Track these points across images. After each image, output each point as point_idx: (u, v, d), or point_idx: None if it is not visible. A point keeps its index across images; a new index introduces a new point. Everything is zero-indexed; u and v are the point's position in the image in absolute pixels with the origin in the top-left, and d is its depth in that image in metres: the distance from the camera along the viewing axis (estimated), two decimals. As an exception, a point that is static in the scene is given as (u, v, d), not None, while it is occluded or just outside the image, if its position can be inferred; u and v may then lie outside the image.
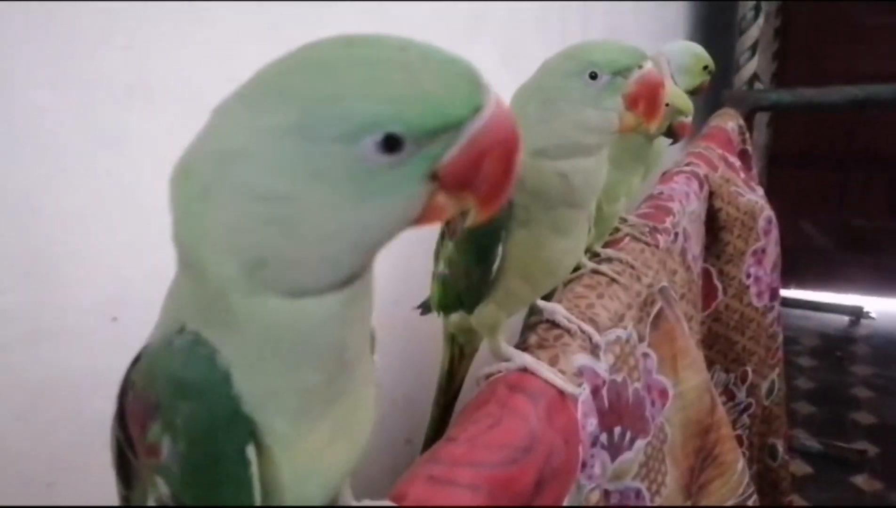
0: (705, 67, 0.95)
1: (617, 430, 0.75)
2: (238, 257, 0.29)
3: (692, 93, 0.94)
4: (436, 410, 0.80)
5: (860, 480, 2.15)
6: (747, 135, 1.65)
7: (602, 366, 0.70)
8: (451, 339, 0.74)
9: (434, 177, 0.30)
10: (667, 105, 0.78)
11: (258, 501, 0.32)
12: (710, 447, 0.92)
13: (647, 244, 0.92)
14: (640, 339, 0.83)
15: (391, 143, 0.27)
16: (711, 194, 1.25)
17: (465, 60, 0.30)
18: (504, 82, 0.50)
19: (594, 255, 0.86)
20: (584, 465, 0.65)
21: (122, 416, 0.35)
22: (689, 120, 0.79)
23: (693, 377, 0.90)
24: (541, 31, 1.24)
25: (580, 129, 0.55)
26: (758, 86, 2.23)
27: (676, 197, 1.08)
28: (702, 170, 1.23)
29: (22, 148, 0.53)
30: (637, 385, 0.80)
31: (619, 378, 0.75)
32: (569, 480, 0.61)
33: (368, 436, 0.38)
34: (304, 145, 0.27)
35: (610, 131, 0.56)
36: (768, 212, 1.34)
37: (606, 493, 0.73)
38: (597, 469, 0.68)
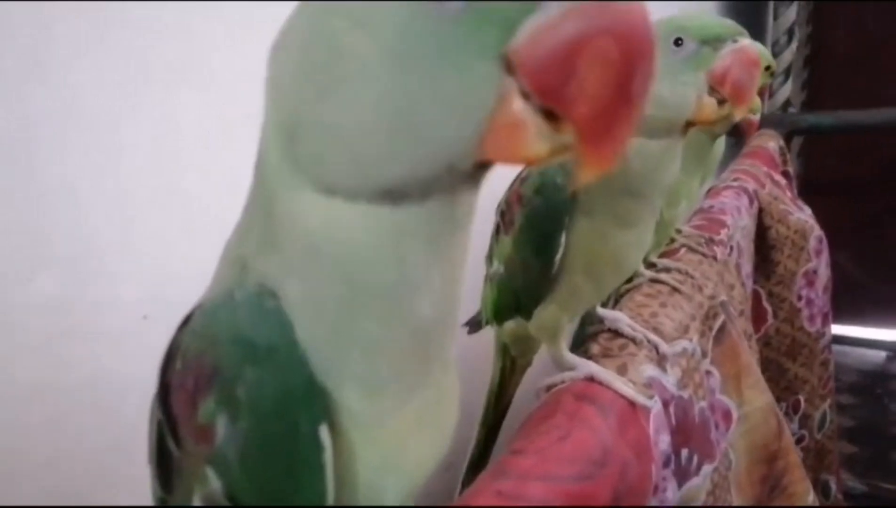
0: (767, 68, 0.90)
1: (684, 453, 0.68)
2: (280, 123, 0.25)
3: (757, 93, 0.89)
4: (481, 431, 0.75)
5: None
6: (788, 156, 1.60)
7: (670, 380, 0.65)
8: (504, 351, 0.69)
9: (509, 64, 0.22)
10: (733, 100, 0.74)
11: (331, 498, 0.26)
12: (778, 475, 0.85)
13: (704, 255, 0.86)
14: (703, 355, 0.77)
15: None
16: (761, 211, 1.20)
17: None
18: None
19: (650, 265, 0.80)
20: (655, 489, 0.58)
21: (165, 394, 0.29)
22: (756, 118, 0.74)
23: (758, 398, 0.83)
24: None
25: (653, 103, 0.50)
26: (792, 110, 2.18)
27: (728, 210, 1.03)
28: (750, 185, 1.18)
29: (67, 123, 0.49)
30: (703, 404, 0.73)
31: (685, 394, 0.69)
32: (643, 499, 0.55)
33: (453, 434, 0.33)
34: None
35: (683, 112, 0.51)
36: (818, 231, 1.28)
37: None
38: (669, 494, 0.61)
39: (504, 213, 0.59)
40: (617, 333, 0.65)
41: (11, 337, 0.47)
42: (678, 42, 0.49)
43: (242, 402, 0.25)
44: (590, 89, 0.21)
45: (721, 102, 0.50)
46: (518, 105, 0.22)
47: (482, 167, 0.25)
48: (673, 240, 0.88)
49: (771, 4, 2.19)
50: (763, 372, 1.29)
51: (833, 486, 1.48)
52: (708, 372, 0.78)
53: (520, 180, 0.58)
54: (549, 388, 0.59)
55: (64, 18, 0.48)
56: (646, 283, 0.76)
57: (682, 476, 0.69)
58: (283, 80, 0.26)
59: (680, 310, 0.72)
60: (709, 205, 1.05)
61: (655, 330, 0.67)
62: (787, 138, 1.95)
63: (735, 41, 0.49)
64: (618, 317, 0.65)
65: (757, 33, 2.32)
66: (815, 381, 1.32)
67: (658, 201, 0.58)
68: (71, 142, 0.49)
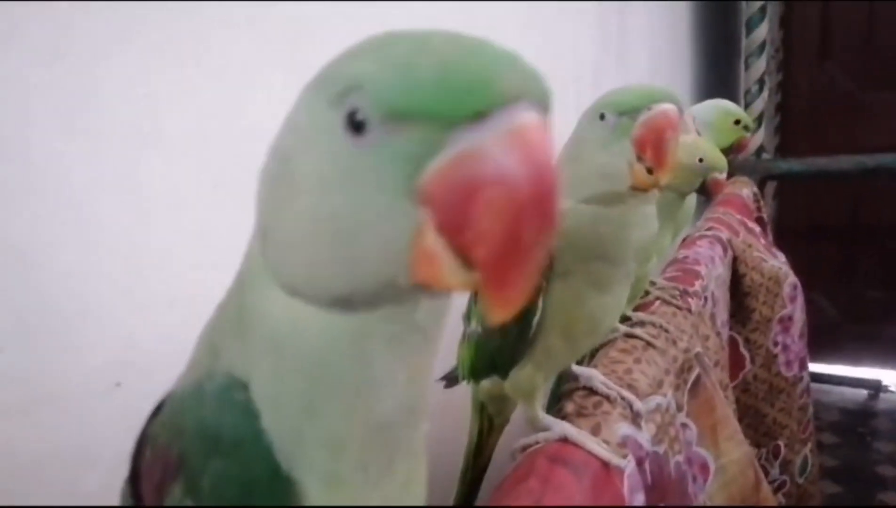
0: (737, 122, 0.93)
1: (660, 509, 0.69)
2: (258, 221, 0.27)
3: (728, 149, 0.91)
4: (461, 490, 0.74)
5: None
6: (762, 202, 1.64)
7: (644, 437, 0.65)
8: (481, 409, 0.69)
9: (422, 196, 0.22)
10: (700, 161, 0.76)
11: None
12: (757, 528, 0.85)
13: (678, 307, 0.88)
14: (679, 408, 0.77)
15: (354, 118, 0.22)
16: (735, 259, 1.22)
17: (510, 55, 0.23)
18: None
19: (625, 319, 0.82)
20: (631, 549, 0.58)
21: (135, 479, 0.30)
22: (723, 176, 0.76)
23: (734, 450, 0.84)
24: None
25: (595, 175, 0.53)
26: (765, 156, 2.24)
27: (702, 260, 1.05)
28: (724, 234, 1.20)
29: (32, 197, 0.49)
30: (679, 458, 0.74)
31: (660, 450, 0.69)
32: (619, 566, 0.55)
33: None
34: (313, 102, 0.25)
35: (621, 181, 0.52)
36: (792, 278, 1.31)
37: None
38: (645, 553, 0.61)
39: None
40: (592, 391, 0.66)
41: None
42: (602, 117, 0.51)
43: (206, 493, 0.26)
44: (486, 234, 0.21)
45: (650, 169, 0.51)
46: (431, 239, 0.22)
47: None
48: (647, 293, 0.89)
49: (742, 56, 2.26)
50: (742, 418, 1.30)
51: (816, 532, 1.48)
52: (684, 425, 0.78)
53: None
54: (524, 449, 0.59)
55: (43, 85, 0.49)
56: (620, 338, 0.76)
57: (660, 533, 0.69)
58: (262, 181, 0.27)
59: (654, 365, 0.73)
60: (683, 256, 1.07)
61: (630, 387, 0.67)
62: (762, 183, 2.00)
63: (650, 108, 0.50)
64: (592, 375, 0.66)
65: (730, 84, 2.40)
66: (795, 426, 1.33)
67: (632, 264, 0.60)
68: (34, 210, 0.50)
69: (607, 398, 0.65)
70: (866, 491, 2.42)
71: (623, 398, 0.65)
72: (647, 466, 0.65)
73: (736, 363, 1.26)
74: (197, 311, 0.36)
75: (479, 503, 0.74)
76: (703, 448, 0.81)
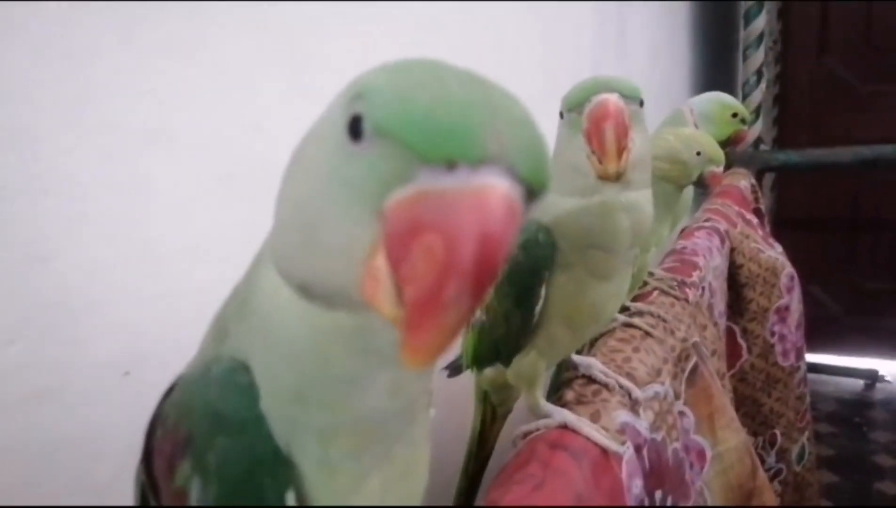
0: (734, 115, 0.94)
1: (658, 495, 0.70)
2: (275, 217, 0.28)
3: (726, 142, 0.92)
4: (463, 480, 0.75)
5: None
6: (760, 193, 1.65)
7: (643, 424, 0.66)
8: (484, 399, 0.70)
9: (383, 219, 0.22)
10: (698, 154, 0.77)
11: None
12: (754, 514, 0.86)
13: (676, 298, 0.89)
14: (676, 397, 0.79)
15: (355, 123, 0.23)
16: (732, 250, 1.23)
17: (513, 118, 0.23)
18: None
19: (624, 309, 0.83)
20: (629, 532, 0.60)
21: (148, 458, 0.32)
22: (720, 169, 0.77)
23: (731, 437, 0.85)
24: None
25: (567, 170, 0.54)
26: (763, 148, 2.24)
27: (700, 251, 1.06)
28: (722, 225, 1.21)
29: (41, 192, 0.50)
30: (676, 445, 0.75)
31: (658, 437, 0.71)
32: (617, 547, 0.56)
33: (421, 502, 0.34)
34: (337, 99, 0.26)
35: (586, 173, 0.53)
36: (789, 269, 1.32)
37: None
38: (643, 537, 0.62)
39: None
40: (591, 379, 0.67)
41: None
42: (561, 115, 0.53)
43: (213, 468, 0.27)
44: (416, 278, 0.21)
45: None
46: (380, 261, 0.22)
47: None
48: (646, 284, 0.90)
49: (740, 48, 2.27)
50: (739, 407, 1.31)
51: (815, 519, 1.50)
52: (681, 413, 0.80)
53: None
54: (525, 435, 0.60)
55: (49, 83, 0.50)
56: (619, 328, 0.78)
57: (658, 517, 0.70)
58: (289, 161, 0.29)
59: (652, 354, 0.75)
60: (681, 247, 1.08)
61: (628, 376, 0.69)
62: (759, 175, 2.01)
63: (590, 101, 0.51)
64: (591, 364, 0.67)
65: (728, 75, 2.40)
66: (792, 415, 1.35)
67: (631, 253, 0.60)
68: (43, 205, 0.50)
69: (606, 386, 0.66)
70: (863, 481, 2.44)
71: (622, 386, 0.66)
72: (645, 452, 0.66)
73: (733, 352, 1.27)
74: (203, 302, 0.37)
75: (481, 489, 0.75)
76: (701, 436, 0.82)
